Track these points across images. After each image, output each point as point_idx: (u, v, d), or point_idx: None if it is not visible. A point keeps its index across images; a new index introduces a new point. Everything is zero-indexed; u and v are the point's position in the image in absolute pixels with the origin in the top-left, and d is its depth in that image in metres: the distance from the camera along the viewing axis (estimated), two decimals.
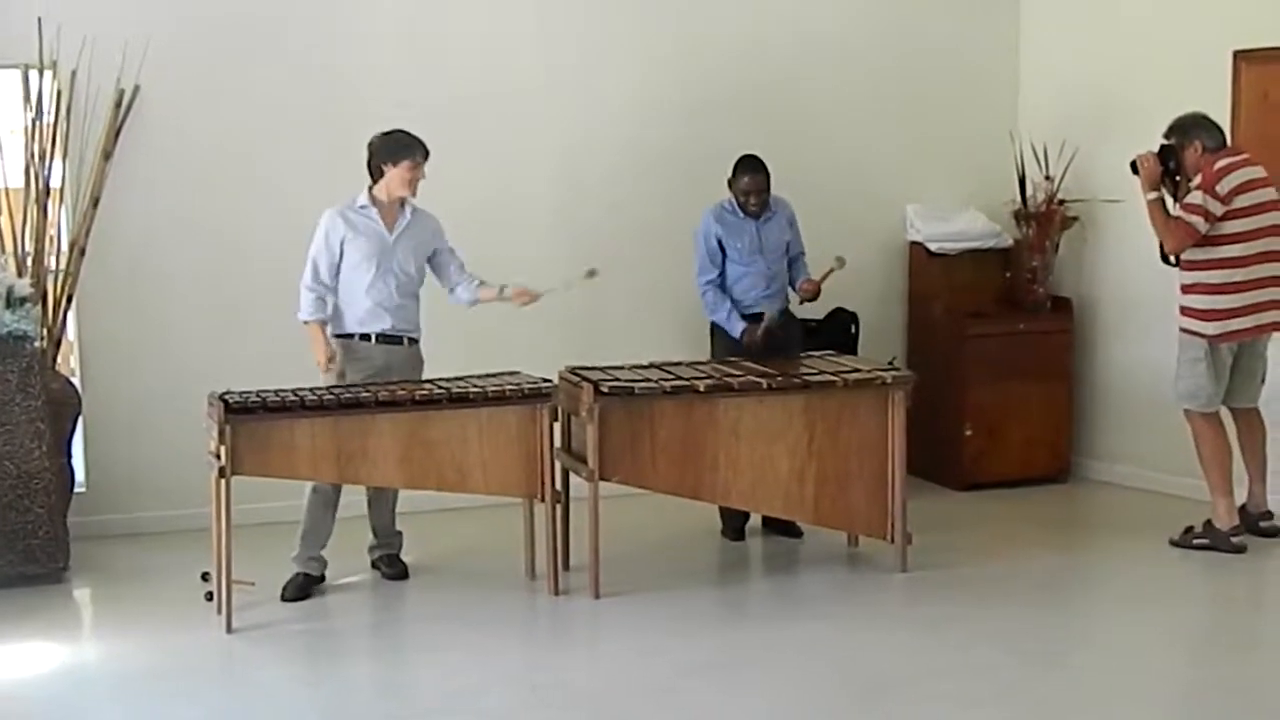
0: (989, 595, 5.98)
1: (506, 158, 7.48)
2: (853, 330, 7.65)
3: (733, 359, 6.51)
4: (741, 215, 6.72)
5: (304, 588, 6.03)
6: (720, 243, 6.73)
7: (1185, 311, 6.51)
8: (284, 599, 5.96)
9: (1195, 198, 6.36)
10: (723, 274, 6.77)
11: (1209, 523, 6.55)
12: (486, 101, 7.42)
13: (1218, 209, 6.32)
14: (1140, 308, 7.55)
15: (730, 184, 6.73)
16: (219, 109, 7.06)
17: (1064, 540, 7.10)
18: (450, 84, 7.34)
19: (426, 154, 6.09)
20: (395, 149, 6.06)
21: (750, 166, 6.68)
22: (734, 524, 6.86)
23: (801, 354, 6.67)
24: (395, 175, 6.07)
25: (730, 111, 7.74)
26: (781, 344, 6.69)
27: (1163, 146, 6.52)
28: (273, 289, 6.83)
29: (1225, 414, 6.62)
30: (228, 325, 7.11)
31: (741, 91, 7.78)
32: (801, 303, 6.91)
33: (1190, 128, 6.46)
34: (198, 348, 7.04)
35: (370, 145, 6.12)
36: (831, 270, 6.72)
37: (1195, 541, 6.54)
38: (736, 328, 6.68)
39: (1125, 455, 7.82)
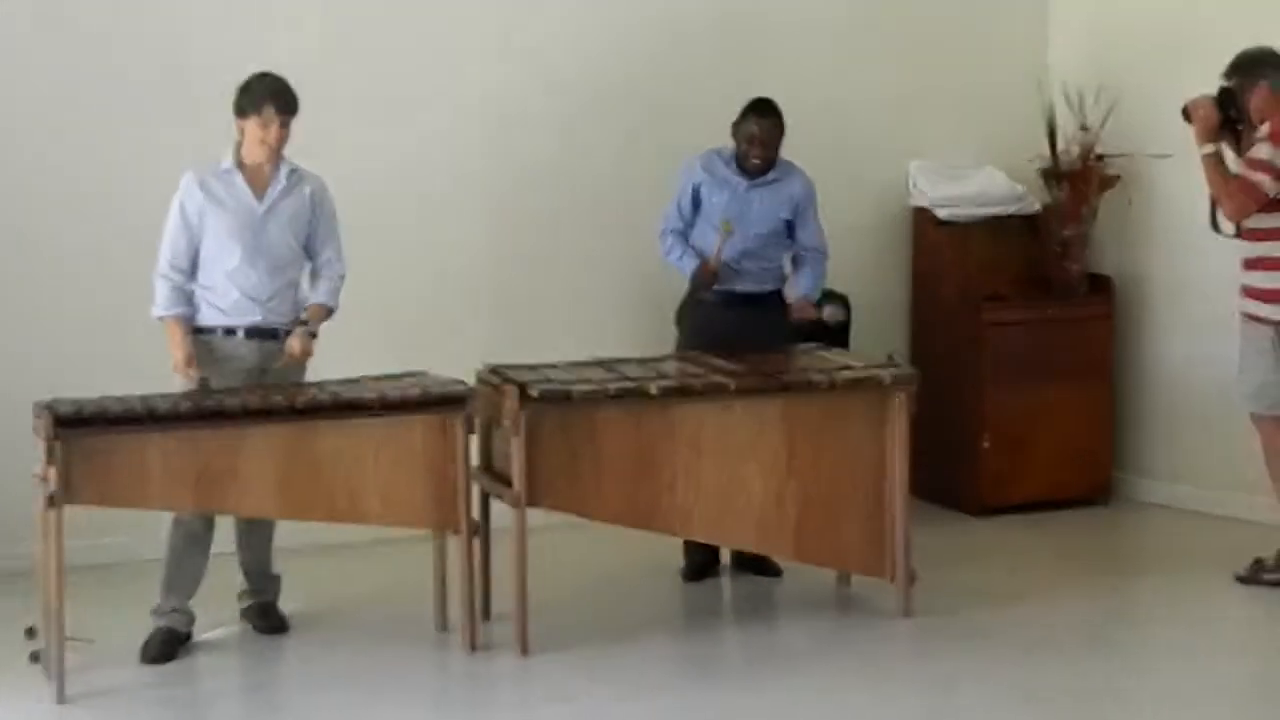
0: (1011, 647, 6.00)
1: (415, 118, 7.50)
2: (843, 317, 7.65)
3: (694, 353, 6.53)
4: (735, 169, 6.77)
5: (168, 646, 5.99)
6: (698, 193, 6.79)
7: (1248, 293, 6.58)
8: (144, 660, 5.93)
9: (1262, 151, 6.41)
10: (690, 231, 6.83)
11: None
12: (387, 51, 7.43)
13: None
14: (1198, 289, 7.61)
15: (734, 129, 6.78)
16: (33, 70, 6.98)
17: (1104, 577, 7.13)
18: (334, 30, 7.33)
19: (287, 108, 6.03)
20: (242, 101, 6.05)
21: (759, 109, 6.73)
22: (697, 561, 6.87)
23: (784, 346, 6.71)
24: (248, 132, 6.07)
25: (698, 50, 7.81)
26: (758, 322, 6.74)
27: (1222, 89, 6.55)
28: (116, 277, 6.80)
29: None
30: (61, 322, 7.05)
31: (711, 26, 7.84)
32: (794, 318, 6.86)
33: (1256, 65, 6.51)
34: (25, 349, 6.95)
35: None
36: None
37: (1266, 577, 6.60)
38: (689, 266, 6.74)
39: (1179, 471, 7.88)
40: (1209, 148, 6.52)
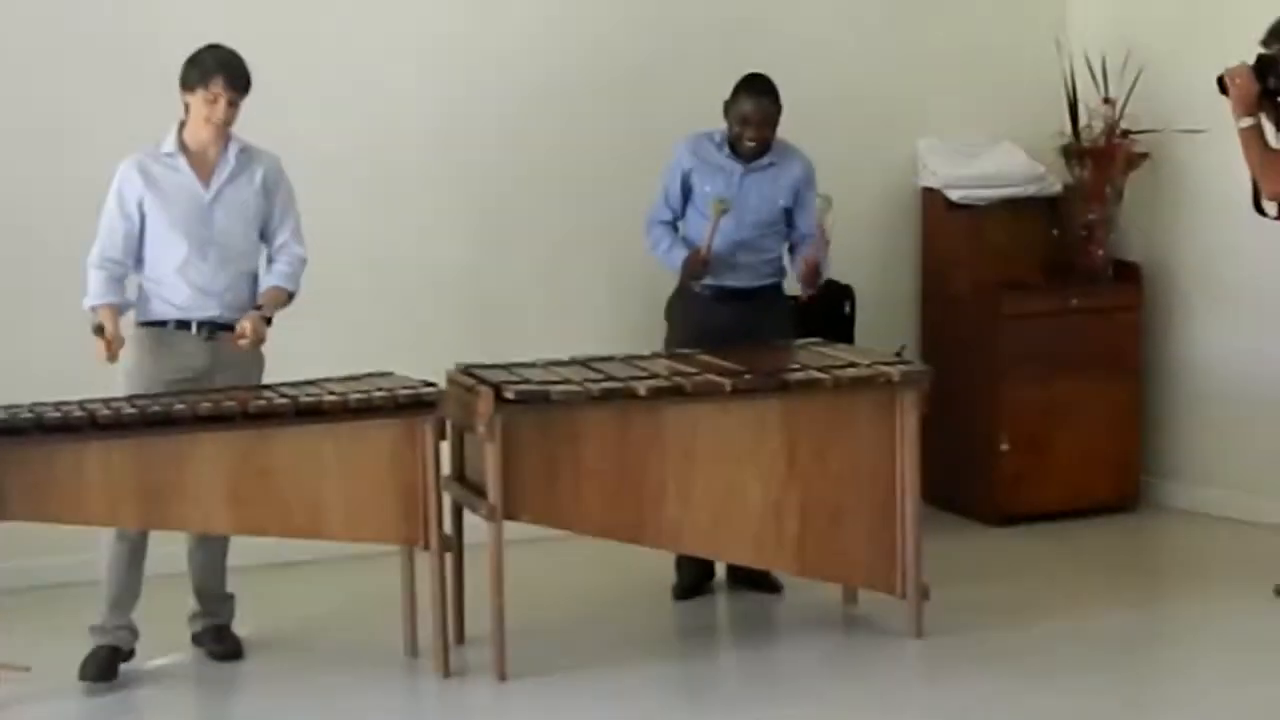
0: (1033, 669, 5.99)
1: (378, 95, 7.48)
2: (847, 310, 7.69)
3: (685, 351, 6.51)
4: (728, 153, 6.74)
5: (109, 664, 5.97)
6: (688, 182, 6.77)
7: None
8: (83, 678, 5.91)
9: None
10: (680, 222, 6.81)
11: None
12: (352, 30, 7.43)
13: None
14: (1234, 276, 7.63)
15: (726, 108, 6.75)
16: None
17: (1133, 592, 7.13)
18: (298, 6, 7.36)
19: (239, 83, 6.01)
20: (191, 72, 6.03)
21: (754, 88, 6.70)
22: (690, 577, 6.85)
23: (783, 341, 6.70)
24: (193, 109, 6.05)
25: (686, 20, 7.80)
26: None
27: (1261, 57, 6.52)
28: (57, 271, 6.71)
29: None
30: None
31: None
32: (805, 292, 6.84)
33: None
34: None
35: None
36: (823, 213, 6.67)
37: None
38: (678, 259, 6.70)
39: (1214, 475, 7.88)
40: (1247, 121, 6.48)
